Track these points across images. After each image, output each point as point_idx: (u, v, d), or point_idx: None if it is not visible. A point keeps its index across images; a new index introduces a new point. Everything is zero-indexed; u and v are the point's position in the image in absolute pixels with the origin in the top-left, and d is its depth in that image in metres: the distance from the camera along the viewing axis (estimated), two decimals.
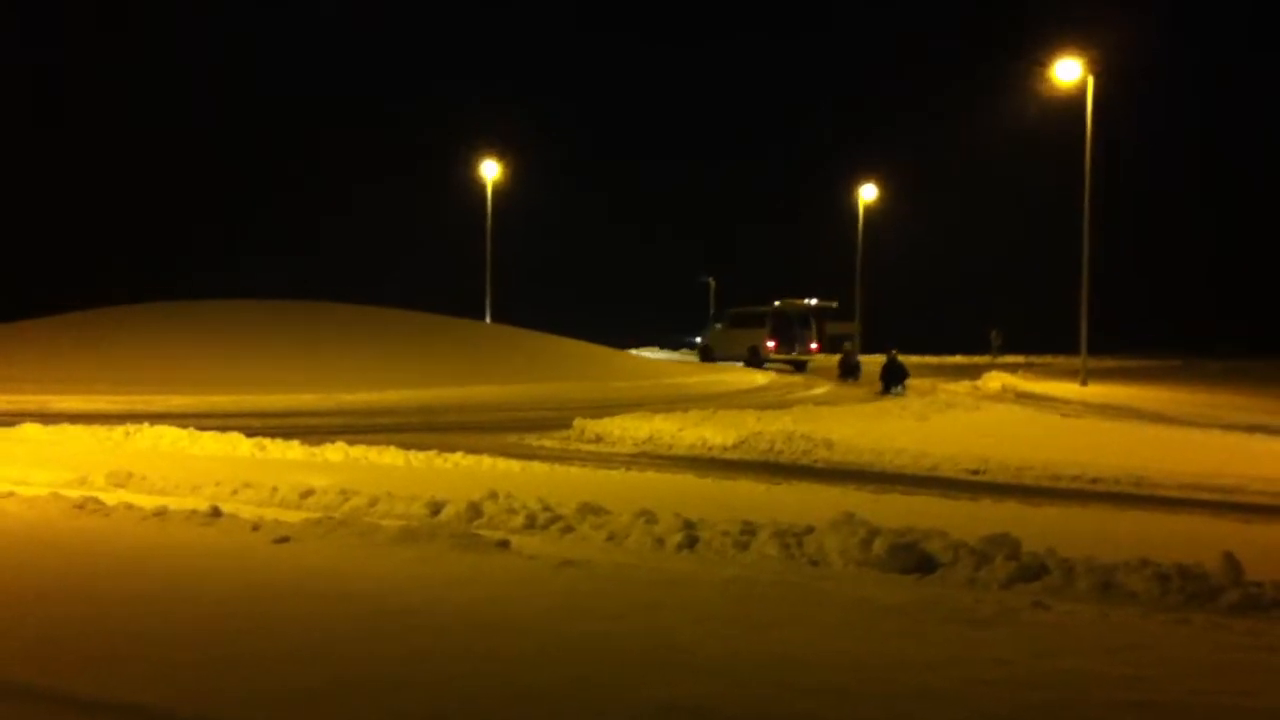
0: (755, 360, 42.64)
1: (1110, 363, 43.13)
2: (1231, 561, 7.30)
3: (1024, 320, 54.94)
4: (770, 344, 43.37)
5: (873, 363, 47.09)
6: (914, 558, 7.73)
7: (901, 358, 33.81)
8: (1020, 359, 51.78)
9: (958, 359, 52.75)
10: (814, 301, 49.01)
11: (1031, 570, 7.48)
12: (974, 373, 39.05)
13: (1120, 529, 9.54)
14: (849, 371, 38.73)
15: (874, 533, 8.06)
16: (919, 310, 60.23)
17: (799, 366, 42.87)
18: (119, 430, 15.90)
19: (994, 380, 35.16)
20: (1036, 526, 8.81)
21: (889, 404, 26.45)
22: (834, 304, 50.94)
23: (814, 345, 44.72)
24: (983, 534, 7.98)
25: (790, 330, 44.01)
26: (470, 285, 53.29)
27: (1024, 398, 30.56)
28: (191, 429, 15.95)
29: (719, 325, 47.03)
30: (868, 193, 60.01)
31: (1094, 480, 14.18)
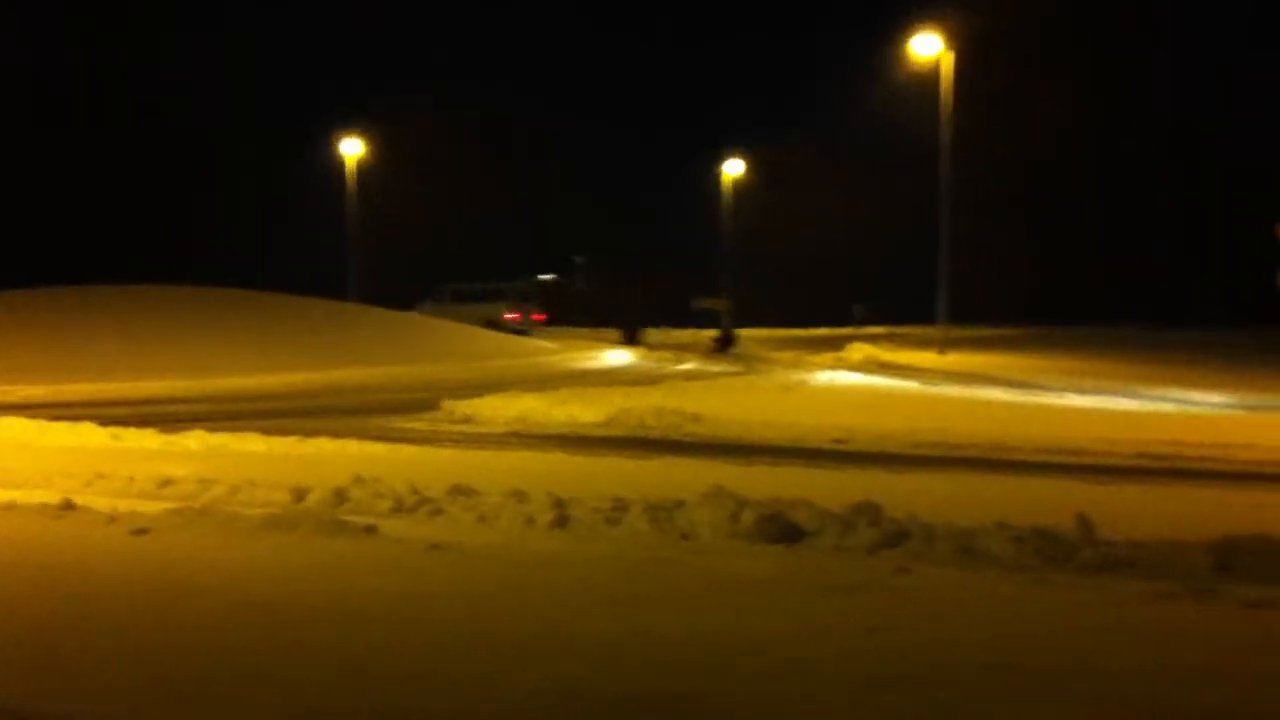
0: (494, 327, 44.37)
1: (968, 332, 44.34)
2: (1084, 523, 7.57)
3: (888, 293, 56.14)
4: (510, 315, 47.08)
5: (741, 337, 47.64)
6: (781, 528, 7.84)
7: (761, 331, 34.89)
8: (883, 330, 52.90)
9: (822, 331, 53.64)
10: (551, 277, 56.20)
11: (894, 536, 7.66)
12: (838, 344, 39.81)
13: (980, 494, 9.81)
14: (724, 345, 39.84)
15: (742, 505, 8.15)
16: (786, 285, 60.95)
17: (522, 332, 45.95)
18: None
19: (857, 351, 35.92)
20: (899, 493, 9.00)
21: (755, 378, 26.79)
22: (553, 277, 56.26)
23: (537, 316, 49.31)
24: (847, 502, 8.14)
25: (522, 304, 48.65)
26: (337, 267, 52.41)
27: (886, 367, 31.28)
28: (41, 419, 15.35)
29: (431, 302, 48.03)
30: (733, 167, 60.53)
31: (954, 447, 14.56)
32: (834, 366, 31.03)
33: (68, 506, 8.66)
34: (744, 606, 5.98)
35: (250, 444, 13.57)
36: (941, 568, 7.03)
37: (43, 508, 8.62)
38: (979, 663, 5.02)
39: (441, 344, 35.86)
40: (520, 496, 8.85)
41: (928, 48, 36.20)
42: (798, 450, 14.42)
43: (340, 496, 9.29)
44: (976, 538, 7.56)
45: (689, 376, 28.69)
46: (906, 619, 5.76)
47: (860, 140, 59.66)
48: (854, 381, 24.12)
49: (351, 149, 52.01)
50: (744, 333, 46.18)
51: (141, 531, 7.76)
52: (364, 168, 52.24)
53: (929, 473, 11.83)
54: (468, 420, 18.12)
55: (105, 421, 15.04)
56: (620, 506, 8.48)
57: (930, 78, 36.69)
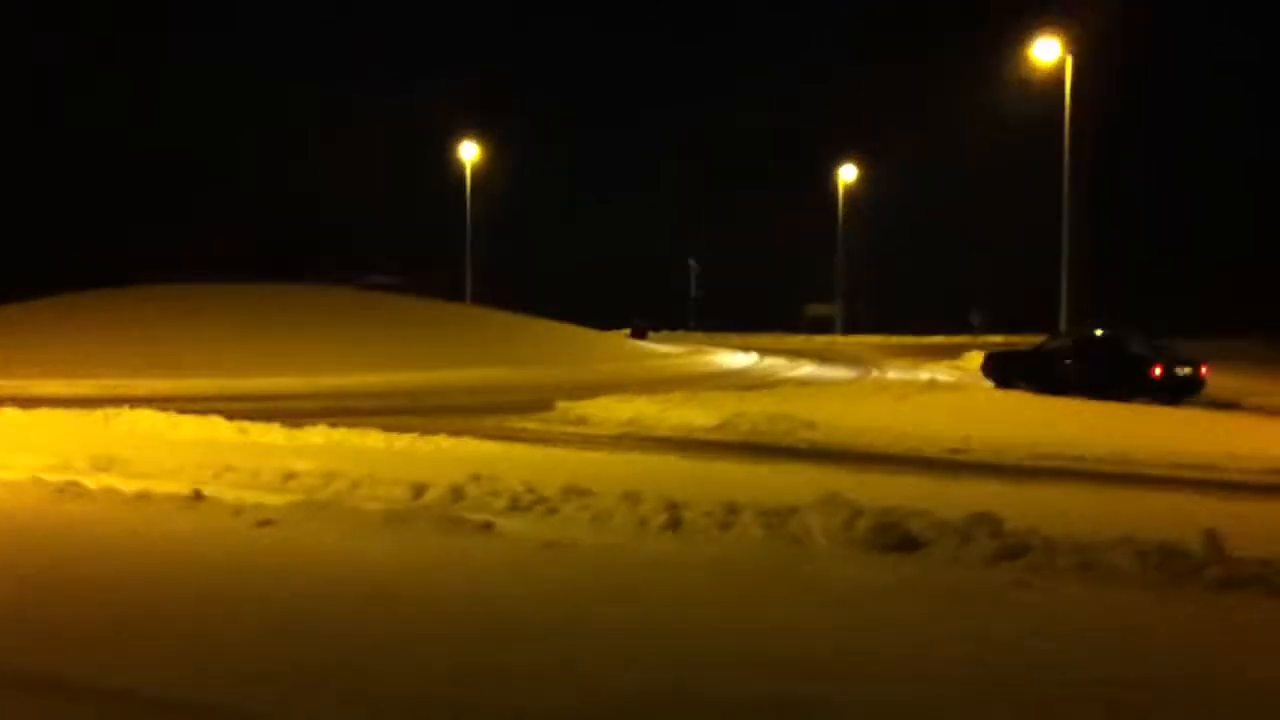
0: None
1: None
2: (1212, 538, 7.34)
3: (1005, 300, 55.09)
4: None
5: (853, 343, 47.24)
6: (897, 537, 7.75)
7: (876, 338, 33.45)
8: (1000, 338, 51.94)
9: (938, 339, 52.91)
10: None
11: (1014, 549, 7.51)
12: (955, 352, 39.21)
13: (1103, 507, 9.58)
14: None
15: (857, 512, 8.07)
16: (900, 290, 60.25)
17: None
18: (99, 414, 15.82)
19: (974, 360, 35.27)
20: (1019, 505, 8.84)
21: (870, 384, 26.51)
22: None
23: None
24: (965, 513, 8.01)
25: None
26: (451, 268, 53.19)
27: None
28: (172, 413, 15.87)
29: None
30: (847, 173, 60.08)
31: (1076, 458, 14.24)
32: (950, 374, 30.55)
33: (197, 497, 8.94)
34: (857, 614, 5.94)
35: (371, 440, 13.85)
36: (1062, 582, 6.88)
37: (173, 498, 8.90)
38: (1095, 676, 4.92)
39: (556, 346, 36.19)
40: (633, 498, 8.89)
41: (1048, 52, 35.48)
42: (914, 459, 14.24)
43: (457, 493, 9.43)
44: (1099, 552, 7.37)
45: (803, 382, 28.52)
46: (1024, 632, 5.66)
47: (980, 145, 58.64)
48: (972, 390, 23.69)
49: (469, 153, 52.77)
50: (858, 339, 45.79)
51: (266, 523, 7.98)
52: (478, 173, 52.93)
53: (1050, 484, 11.59)
54: (581, 421, 18.25)
55: (231, 416, 15.49)
56: (733, 511, 8.46)
57: (1053, 79, 35.93)
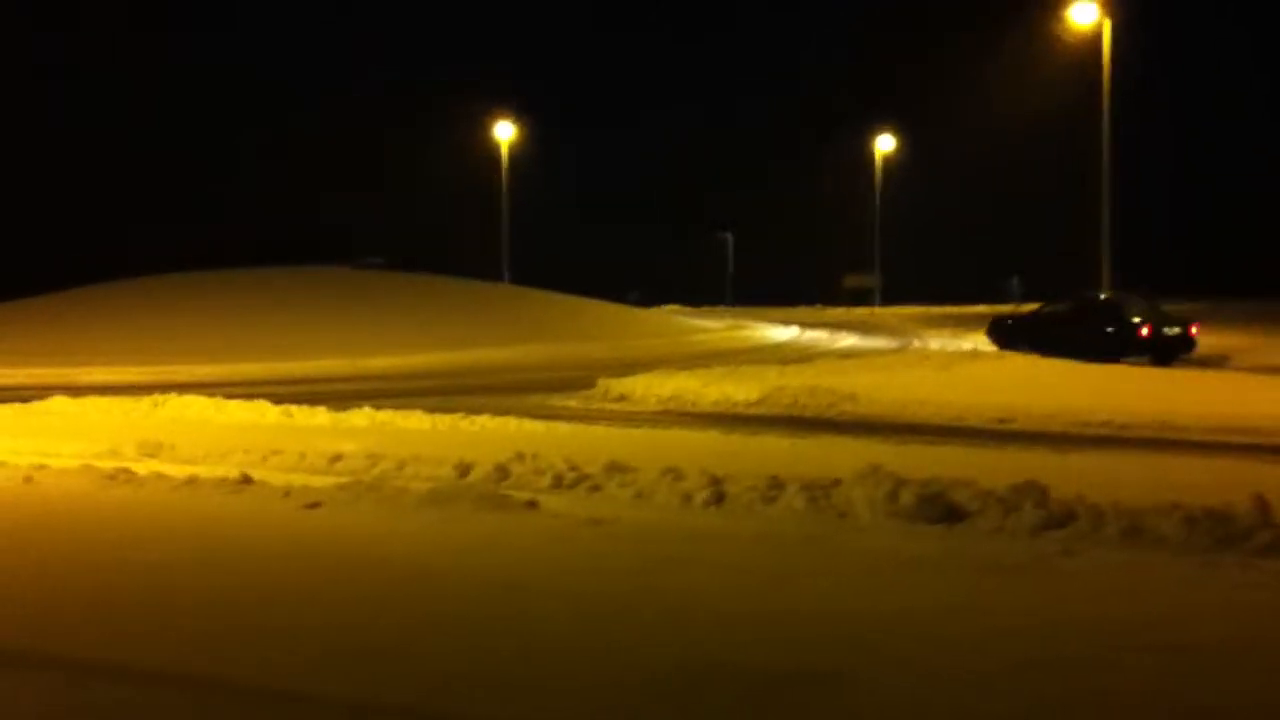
0: None
1: (1182, 307, 42.71)
2: (1261, 503, 7.28)
3: (1046, 268, 54.63)
4: None
5: (892, 314, 46.96)
6: (941, 508, 7.74)
7: (916, 308, 33.17)
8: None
9: (979, 308, 52.51)
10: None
11: (1059, 517, 7.48)
12: None
13: (1149, 474, 9.51)
14: None
15: (900, 484, 8.06)
16: (939, 260, 59.83)
17: None
18: (147, 401, 16.01)
19: None
20: (1064, 474, 8.80)
21: (911, 355, 26.39)
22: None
23: None
24: (1010, 482, 7.97)
25: None
26: (487, 246, 53.32)
27: None
28: (218, 397, 16.04)
29: None
30: (884, 143, 59.63)
31: (1122, 426, 14.14)
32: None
33: (245, 481, 9.05)
34: (902, 585, 5.94)
35: (414, 421, 13.96)
36: (1109, 549, 6.86)
37: (222, 482, 9.02)
38: (1144, 644, 4.91)
39: (595, 323, 36.26)
40: (676, 474, 8.92)
41: (1085, 15, 35.03)
42: (957, 430, 14.19)
43: (502, 472, 9.50)
44: (1146, 518, 7.33)
45: (844, 354, 28.43)
46: (1070, 600, 5.65)
47: (1016, 111, 58.01)
48: (1014, 359, 23.53)
49: (504, 133, 52.81)
50: (898, 310, 45.55)
51: (314, 505, 8.07)
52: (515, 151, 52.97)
53: (1096, 452, 11.52)
54: (622, 398, 18.30)
55: (277, 399, 15.64)
56: (776, 485, 8.48)
57: (1088, 43, 35.48)
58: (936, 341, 33.39)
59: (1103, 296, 26.99)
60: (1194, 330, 25.32)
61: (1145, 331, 24.91)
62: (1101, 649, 4.87)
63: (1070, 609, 5.50)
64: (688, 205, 71.85)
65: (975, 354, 25.76)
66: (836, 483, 8.32)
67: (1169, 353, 24.52)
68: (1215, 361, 24.66)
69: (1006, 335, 27.70)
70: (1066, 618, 5.35)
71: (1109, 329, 25.27)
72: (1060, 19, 35.60)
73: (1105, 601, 5.62)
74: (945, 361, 22.89)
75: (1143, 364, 23.35)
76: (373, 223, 67.45)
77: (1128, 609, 5.48)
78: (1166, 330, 25.08)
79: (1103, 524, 7.36)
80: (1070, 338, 24.90)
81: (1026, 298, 54.77)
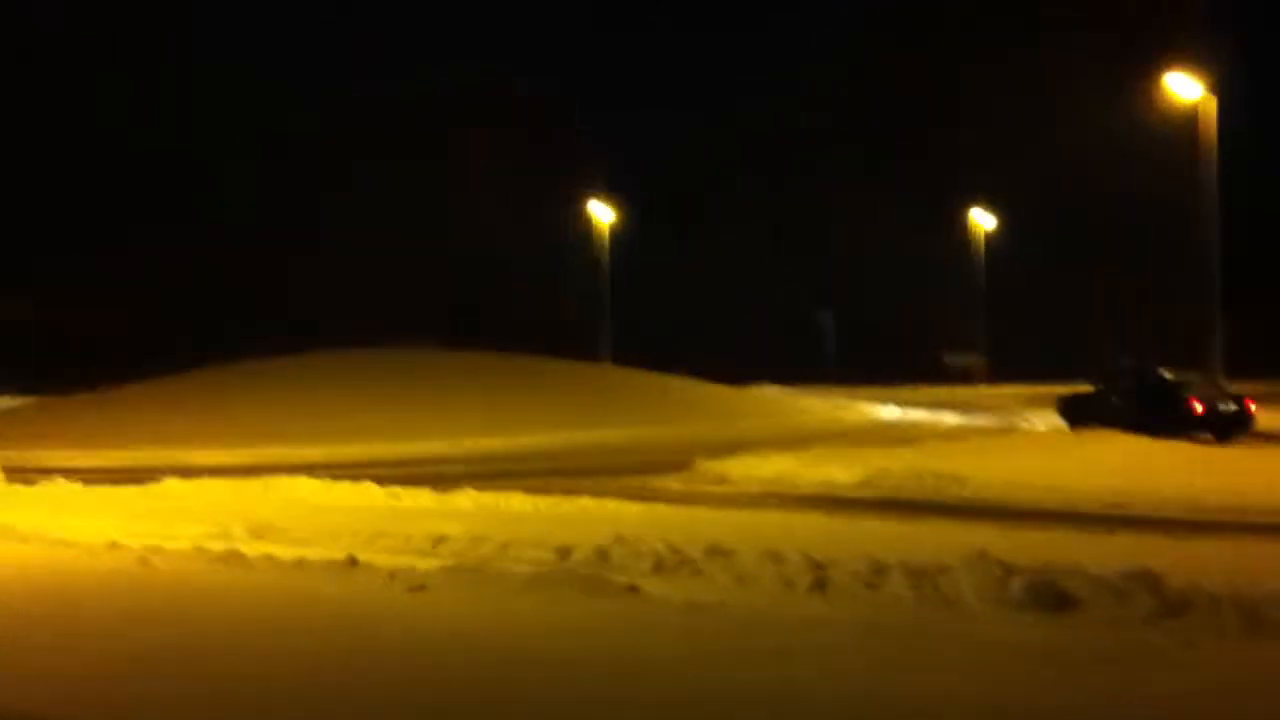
0: None
1: (1256, 386, 41.49)
2: None
3: (1158, 346, 53.47)
4: None
5: (996, 393, 46.18)
6: (1051, 596, 7.55)
7: (1021, 388, 32.76)
8: None
9: (1087, 387, 51.45)
10: None
11: (1175, 606, 7.25)
12: None
13: (1269, 561, 9.20)
14: None
15: (1009, 571, 7.89)
16: (1044, 338, 58.78)
17: None
18: (256, 483, 16.35)
19: None
20: (1179, 560, 8.53)
21: (1019, 437, 25.91)
22: None
23: None
24: (1122, 569, 7.76)
25: None
26: (577, 325, 53.72)
27: None
28: (326, 479, 16.33)
29: None
30: (985, 219, 59.22)
31: (1240, 510, 13.69)
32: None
33: (352, 563, 9.17)
34: (1014, 677, 5.79)
35: (516, 503, 14.05)
36: (1228, 640, 6.62)
37: (329, 564, 9.15)
38: None
39: (694, 403, 36.25)
40: (777, 558, 8.83)
41: (1186, 90, 34.59)
42: (1067, 514, 13.85)
43: (602, 555, 9.50)
44: (1267, 607, 7.08)
45: (948, 435, 28.02)
46: (1190, 693, 5.46)
47: (1118, 186, 57.16)
48: (1127, 441, 22.98)
49: (604, 215, 53.49)
50: (1002, 389, 44.79)
51: (419, 588, 8.15)
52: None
53: (1213, 539, 11.16)
54: (721, 480, 18.22)
55: (382, 481, 15.87)
56: (879, 570, 8.34)
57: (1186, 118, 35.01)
58: (1043, 422, 32.72)
59: (1161, 374, 27.13)
60: (1251, 407, 25.70)
61: (1200, 409, 25.19)
62: None
63: (1190, 702, 5.32)
64: (783, 281, 71.61)
65: (1084, 436, 25.19)
66: (943, 569, 8.17)
67: (1227, 429, 24.74)
68: (1276, 437, 24.59)
69: (1074, 412, 28.22)
70: (1187, 711, 5.17)
71: (1165, 406, 25.49)
72: (1160, 90, 35.25)
73: (1225, 693, 5.42)
74: (1053, 442, 22.44)
75: (1205, 441, 23.32)
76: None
77: (1253, 702, 5.28)
78: (1222, 407, 25.40)
79: (1220, 613, 7.11)
80: (1129, 415, 25.07)
81: None
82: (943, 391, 49.97)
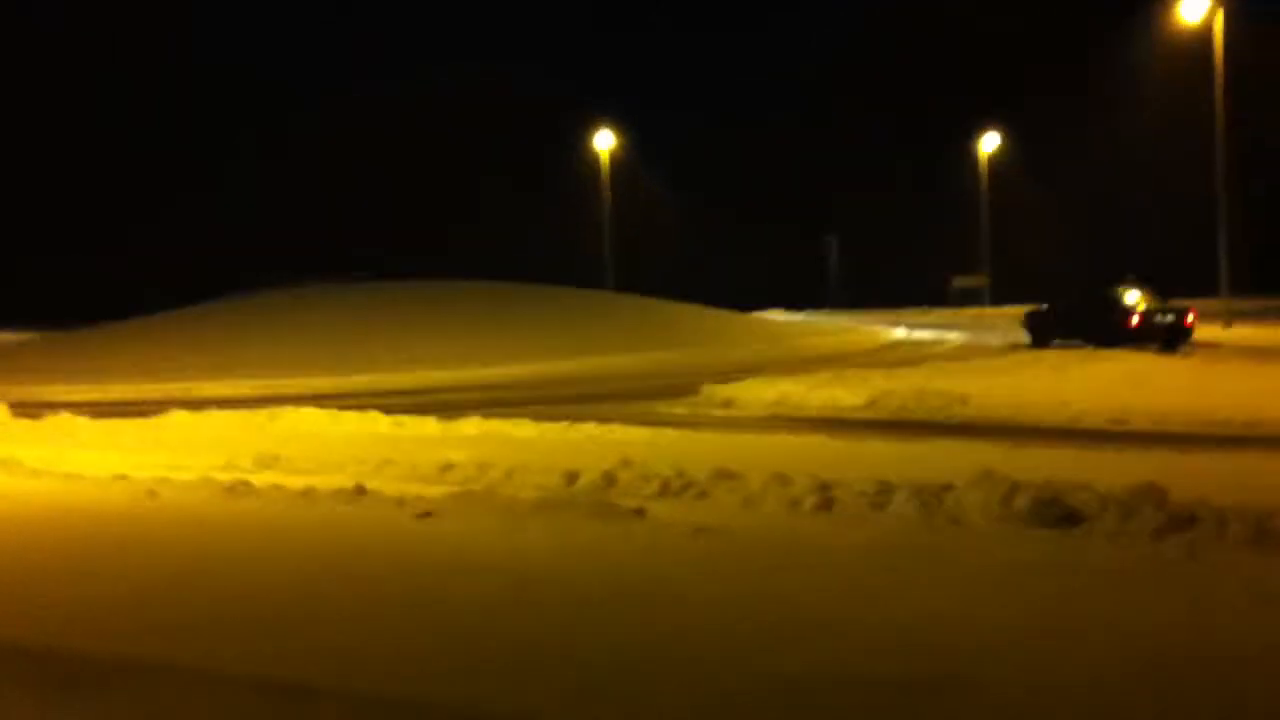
0: None
1: (1257, 304, 41.41)
2: None
3: (1163, 265, 53.23)
4: None
5: (1001, 314, 46.15)
6: (1058, 512, 7.58)
7: (1027, 308, 33.74)
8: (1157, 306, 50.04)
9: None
10: None
11: (1181, 520, 7.28)
12: None
13: (1275, 475, 9.21)
14: None
15: (1014, 488, 7.91)
16: (1050, 260, 58.58)
17: None
18: (262, 414, 16.40)
19: None
20: (1185, 476, 8.55)
21: (1024, 356, 25.92)
22: None
23: None
24: (1128, 485, 7.78)
25: None
26: (584, 253, 53.58)
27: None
28: (332, 410, 16.37)
29: None
30: (989, 142, 58.75)
31: (1245, 425, 13.70)
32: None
33: (359, 491, 9.21)
34: (1020, 592, 5.82)
35: (522, 429, 14.08)
36: (1234, 553, 6.64)
37: (337, 492, 9.19)
38: (1273, 645, 4.74)
39: (698, 329, 36.24)
40: (783, 480, 8.86)
41: (1195, 10, 34.14)
42: (1072, 432, 13.88)
43: (609, 479, 9.54)
44: (1273, 520, 7.09)
45: (951, 357, 28.01)
46: (1198, 606, 5.48)
47: (1127, 106, 56.60)
48: (1131, 359, 22.97)
49: (604, 142, 53.12)
50: (1007, 310, 44.71)
51: (426, 514, 8.18)
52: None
53: (1218, 453, 11.17)
54: (727, 404, 18.26)
55: (388, 410, 15.90)
56: (885, 490, 8.37)
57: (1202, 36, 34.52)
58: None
59: (1103, 289, 29.33)
60: (1190, 318, 27.96)
61: (1135, 321, 27.61)
62: (1229, 657, 4.72)
63: (1199, 616, 5.33)
64: (790, 206, 71.23)
65: (1090, 354, 25.19)
66: (948, 487, 8.20)
67: (1171, 341, 27.00)
68: (1212, 346, 26.85)
69: (1037, 328, 30.29)
70: (1191, 624, 5.19)
71: (1105, 318, 27.89)
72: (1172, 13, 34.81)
73: (1230, 607, 5.44)
74: (1059, 362, 22.41)
75: (1151, 351, 25.13)
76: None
77: (1258, 615, 5.30)
78: (1159, 319, 27.73)
79: (1227, 527, 7.13)
80: (1080, 327, 28.27)
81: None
82: (948, 313, 49.92)
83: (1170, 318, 27.71)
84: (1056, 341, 28.58)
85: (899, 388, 17.58)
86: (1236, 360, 22.67)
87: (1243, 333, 32.31)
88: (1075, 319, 29.03)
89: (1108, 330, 27.24)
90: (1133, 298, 28.21)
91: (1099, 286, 29.81)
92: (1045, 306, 31.34)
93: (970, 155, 59.57)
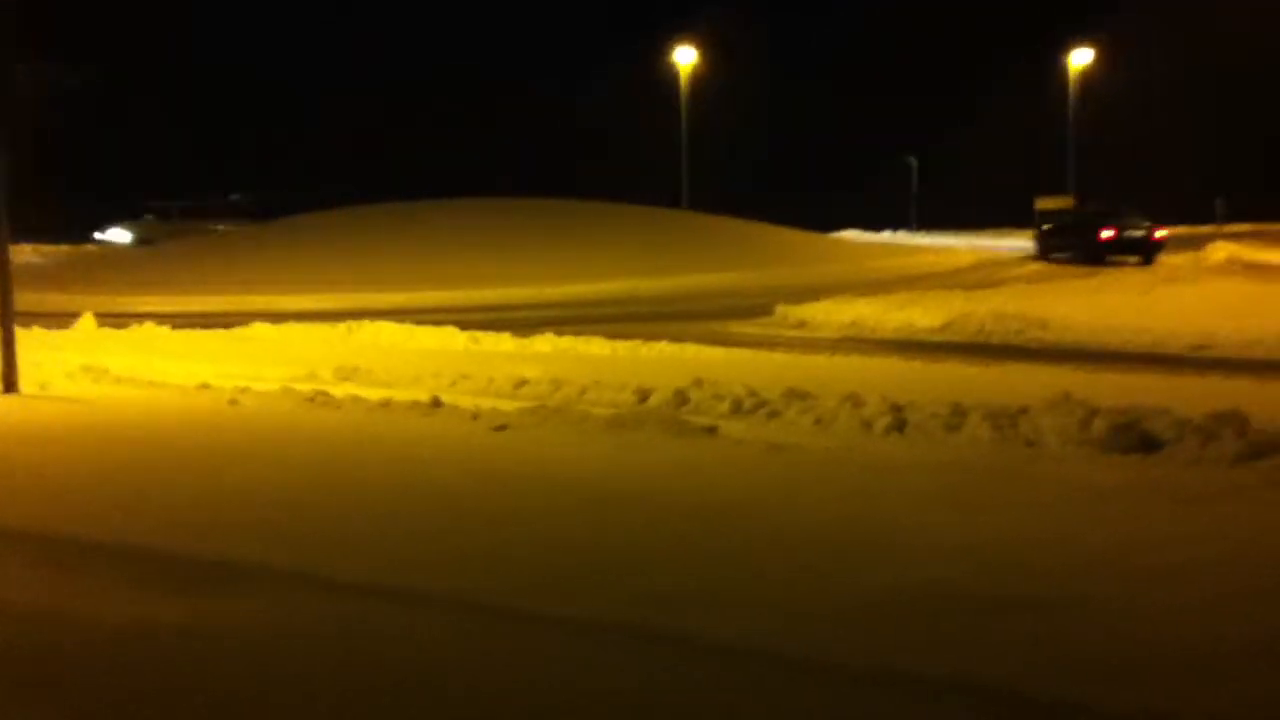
0: None
1: None
2: None
3: (1255, 187, 51.62)
4: None
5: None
6: (1135, 437, 7.47)
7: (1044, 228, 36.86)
8: (1248, 227, 48.77)
9: (1180, 229, 50.11)
10: None
11: (1261, 447, 7.14)
12: (1198, 243, 37.06)
13: None
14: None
15: (1092, 412, 7.81)
16: (1139, 180, 57.12)
17: None
18: (341, 327, 16.65)
19: (1219, 251, 33.31)
20: (1267, 402, 8.38)
21: (1108, 278, 25.44)
22: None
23: None
24: (1208, 411, 7.64)
25: None
26: (661, 173, 53.17)
27: (1252, 268, 28.89)
28: (409, 324, 16.56)
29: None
30: (1080, 57, 57.04)
31: None
32: (1194, 266, 28.98)
33: (435, 404, 9.34)
34: (1097, 516, 5.77)
35: (595, 347, 14.15)
36: None
37: (414, 405, 9.33)
38: None
39: (774, 249, 35.97)
40: (856, 400, 8.82)
41: None
42: (1154, 357, 13.65)
43: (681, 398, 9.57)
44: None
45: (1034, 279, 27.58)
46: (1274, 529, 5.41)
47: (1220, 22, 54.59)
48: (1216, 283, 22.44)
49: (684, 58, 52.42)
50: None
51: (501, 428, 8.29)
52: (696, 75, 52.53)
53: None
54: (801, 325, 18.18)
55: (464, 326, 16.06)
56: (959, 413, 8.30)
57: None
58: (1134, 265, 32.08)
59: (1083, 208, 35.79)
60: (1157, 234, 32.67)
61: (1107, 235, 32.33)
62: None
63: (1275, 540, 5.27)
64: (868, 123, 70.01)
65: (1174, 277, 24.66)
66: (1024, 411, 8.11)
67: (1148, 254, 31.93)
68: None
69: (1041, 244, 35.86)
70: (1271, 549, 5.13)
71: (1082, 234, 32.97)
72: None
73: None
74: (1144, 285, 21.98)
75: (1132, 264, 29.80)
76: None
77: None
78: (1128, 234, 32.47)
79: None
80: (1070, 244, 33.47)
81: (1230, 219, 52.01)
82: (1032, 235, 48.93)
83: (1140, 233, 32.45)
84: (1054, 255, 33.95)
85: (977, 310, 17.36)
86: None
87: None
88: (1067, 237, 34.22)
89: (1089, 246, 32.21)
90: (1106, 220, 32.85)
91: (1083, 211, 35.70)
92: (1047, 227, 36.23)
93: (1061, 71, 57.92)
